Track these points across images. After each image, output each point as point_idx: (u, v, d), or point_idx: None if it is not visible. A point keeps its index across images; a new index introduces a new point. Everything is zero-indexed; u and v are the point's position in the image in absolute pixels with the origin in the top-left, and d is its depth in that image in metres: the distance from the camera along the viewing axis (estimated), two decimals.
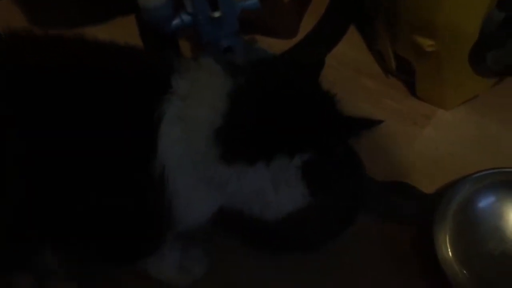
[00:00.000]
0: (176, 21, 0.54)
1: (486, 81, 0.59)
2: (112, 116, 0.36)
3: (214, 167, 0.38)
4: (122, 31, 0.68)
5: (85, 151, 0.36)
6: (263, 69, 0.42)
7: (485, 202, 0.50)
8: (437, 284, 0.48)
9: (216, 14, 0.54)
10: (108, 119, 0.36)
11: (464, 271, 0.48)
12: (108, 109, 0.36)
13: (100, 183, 0.37)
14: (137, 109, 0.37)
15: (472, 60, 0.54)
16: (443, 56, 0.54)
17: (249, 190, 0.39)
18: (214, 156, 0.37)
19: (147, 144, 0.36)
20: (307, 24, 0.73)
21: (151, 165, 0.36)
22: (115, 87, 0.37)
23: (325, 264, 0.52)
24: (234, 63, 0.43)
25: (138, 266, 0.47)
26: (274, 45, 0.69)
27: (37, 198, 0.37)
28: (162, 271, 0.48)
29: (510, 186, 0.50)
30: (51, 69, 0.37)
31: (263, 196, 0.40)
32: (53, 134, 0.36)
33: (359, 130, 0.42)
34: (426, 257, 0.49)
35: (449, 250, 0.49)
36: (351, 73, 0.68)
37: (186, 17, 0.54)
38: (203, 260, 0.50)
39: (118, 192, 0.37)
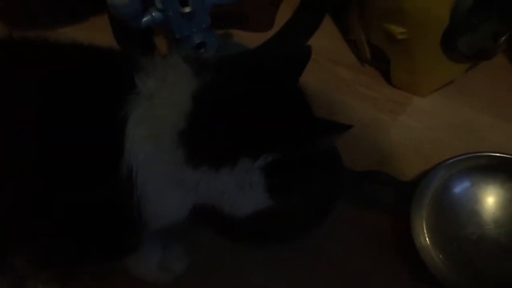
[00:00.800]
0: (146, 18, 0.54)
1: (459, 66, 0.59)
2: (77, 117, 0.36)
3: (181, 169, 0.37)
4: (99, 31, 0.67)
5: (51, 151, 0.36)
6: (230, 67, 0.41)
7: (460, 187, 0.50)
8: (418, 271, 0.49)
9: (186, 10, 0.53)
10: (74, 120, 0.36)
11: (442, 258, 0.48)
12: (73, 110, 0.36)
13: (69, 182, 0.36)
14: (102, 110, 0.36)
15: (444, 46, 0.54)
16: (415, 43, 0.55)
17: (216, 192, 0.39)
18: (180, 159, 0.37)
19: (114, 144, 0.36)
20: (283, 16, 0.73)
21: (119, 166, 0.36)
22: (79, 87, 0.36)
23: (308, 255, 0.52)
24: (202, 60, 0.42)
25: (119, 265, 0.47)
26: (250, 39, 0.69)
27: (8, 198, 0.36)
28: (142, 269, 0.48)
29: (485, 170, 0.50)
30: (14, 71, 0.37)
31: (229, 197, 0.40)
32: (22, 134, 0.36)
33: (328, 134, 0.42)
34: (406, 244, 0.49)
35: (426, 237, 0.49)
36: (327, 63, 0.68)
37: (156, 14, 0.54)
38: (183, 257, 0.50)
39: (87, 192, 0.37)
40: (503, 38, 0.57)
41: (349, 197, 0.53)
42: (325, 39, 0.70)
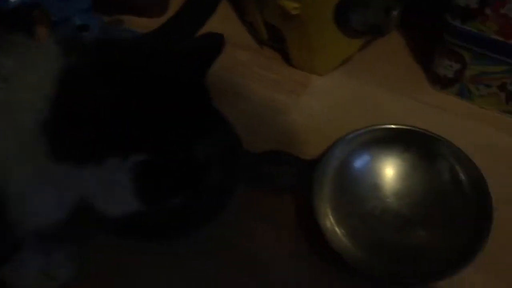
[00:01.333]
0: None
1: (355, 42, 0.59)
2: None
3: (45, 163, 0.32)
4: None
5: None
6: (109, 50, 0.36)
7: (360, 162, 0.49)
8: (323, 251, 0.47)
9: None
10: None
11: (347, 235, 0.47)
12: None
13: None
14: None
15: (337, 21, 0.54)
16: (309, 18, 0.53)
17: (84, 190, 0.35)
18: (42, 151, 0.32)
19: None
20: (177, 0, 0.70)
21: None
22: None
23: (212, 246, 0.49)
24: (77, 42, 0.38)
25: None
26: (142, 25, 0.65)
27: None
28: (22, 279, 0.43)
29: (383, 142, 0.49)
30: None
31: (96, 197, 0.36)
32: None
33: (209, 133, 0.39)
34: (311, 225, 0.48)
35: (330, 215, 0.48)
36: (226, 47, 0.65)
37: None
38: (69, 264, 0.45)
39: None
40: (395, 13, 0.57)
41: (249, 181, 0.50)
42: (222, 23, 0.66)
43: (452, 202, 0.47)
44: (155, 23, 0.65)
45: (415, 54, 0.63)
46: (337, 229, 0.47)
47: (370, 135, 0.49)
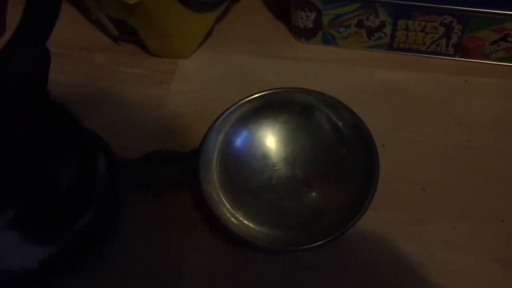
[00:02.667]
0: None
1: (210, 15, 0.56)
2: None
3: None
4: None
5: None
6: None
7: (240, 139, 0.47)
8: (224, 241, 0.46)
9: None
10: None
11: (245, 216, 0.45)
12: None
13: None
14: None
15: (180, 0, 0.50)
16: (150, 4, 0.49)
17: None
18: None
19: None
20: (15, 17, 0.63)
21: None
22: None
23: (118, 264, 0.46)
24: None
25: None
26: None
27: None
28: None
29: (256, 113, 0.47)
30: None
31: None
32: None
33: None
34: (211, 219, 0.46)
35: (225, 202, 0.46)
36: (77, 53, 0.60)
37: None
38: None
39: None
40: None
41: (136, 188, 0.47)
42: (68, 27, 0.62)
43: (337, 153, 0.46)
44: None
45: (273, 12, 0.62)
46: (234, 212, 0.45)
47: (241, 109, 0.47)
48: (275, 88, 0.48)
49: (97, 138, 0.47)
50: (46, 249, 0.39)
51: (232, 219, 0.45)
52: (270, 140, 0.48)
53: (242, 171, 0.47)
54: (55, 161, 0.38)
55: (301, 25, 0.56)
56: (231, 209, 0.45)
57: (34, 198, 0.35)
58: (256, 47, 0.59)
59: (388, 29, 0.53)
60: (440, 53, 0.54)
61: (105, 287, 0.45)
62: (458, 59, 0.55)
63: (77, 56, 0.60)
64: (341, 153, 0.46)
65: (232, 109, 0.46)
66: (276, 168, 0.47)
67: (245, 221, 0.45)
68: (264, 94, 0.47)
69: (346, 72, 0.56)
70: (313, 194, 0.46)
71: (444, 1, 0.48)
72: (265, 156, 0.48)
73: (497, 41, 0.51)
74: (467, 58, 0.54)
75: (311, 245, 0.42)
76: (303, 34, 0.57)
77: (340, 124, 0.46)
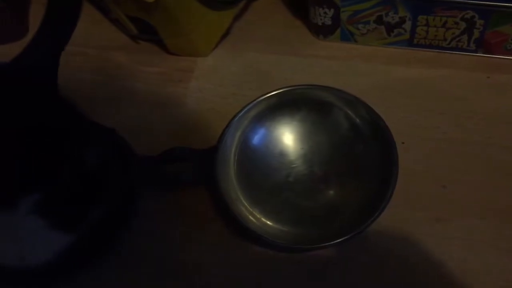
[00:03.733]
0: None
1: (228, 13, 0.56)
2: None
3: None
4: None
5: None
6: None
7: (257, 137, 0.47)
8: (242, 238, 0.46)
9: None
10: None
11: (263, 214, 0.45)
12: None
13: None
14: None
15: None
16: (168, 2, 0.50)
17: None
18: None
19: None
20: (38, 17, 0.64)
21: None
22: None
23: (131, 258, 0.46)
24: None
25: None
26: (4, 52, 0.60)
27: None
28: None
29: (273, 110, 0.47)
30: None
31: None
32: None
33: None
34: (227, 216, 0.46)
35: (242, 200, 0.45)
36: (97, 52, 0.61)
37: None
38: None
39: None
40: None
41: (155, 185, 0.48)
42: (89, 27, 0.63)
43: (356, 151, 0.46)
44: (16, 47, 0.60)
45: (291, 9, 0.61)
46: (252, 210, 0.45)
47: (258, 107, 0.46)
48: (292, 86, 0.47)
49: (116, 134, 0.48)
50: (64, 238, 0.40)
51: (250, 216, 0.44)
52: (288, 137, 0.48)
53: (260, 169, 0.47)
54: (77, 149, 0.38)
55: (319, 22, 0.55)
56: (248, 207, 0.45)
57: (59, 182, 0.36)
58: (274, 45, 0.59)
59: (407, 25, 0.52)
60: (462, 49, 0.54)
61: (120, 280, 0.45)
62: (480, 55, 0.54)
63: (96, 55, 0.61)
64: (360, 151, 0.46)
65: (249, 106, 0.46)
66: (293, 165, 0.47)
67: (262, 219, 0.45)
68: (281, 92, 0.47)
69: (365, 69, 0.55)
70: (331, 191, 0.46)
71: None
72: (282, 154, 0.48)
73: None
74: (489, 54, 0.53)
75: (330, 243, 0.42)
76: (321, 31, 0.56)
77: (358, 121, 0.46)
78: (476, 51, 0.53)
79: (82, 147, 0.39)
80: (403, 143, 0.48)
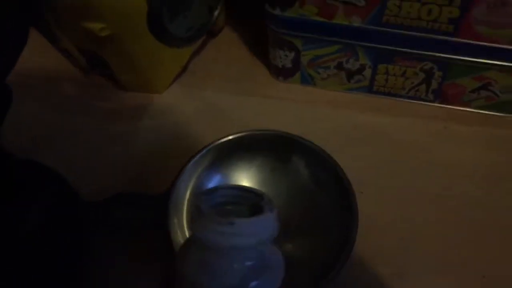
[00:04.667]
0: None
1: (183, 51, 0.54)
2: None
3: None
4: None
5: None
6: None
7: (213, 184, 0.44)
8: None
9: None
10: None
11: None
12: None
13: None
14: None
15: (155, 34, 0.48)
16: (123, 37, 0.47)
17: None
18: None
19: None
20: None
21: None
22: None
23: None
24: None
25: None
26: None
27: None
28: None
29: (228, 155, 0.45)
30: None
31: None
32: None
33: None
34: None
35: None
36: (44, 84, 0.57)
37: None
38: None
39: None
40: (216, 12, 0.54)
41: (102, 230, 0.44)
42: (36, 55, 0.59)
43: (315, 200, 0.44)
44: None
45: (251, 49, 0.60)
46: None
47: (214, 151, 0.44)
48: (251, 130, 0.45)
49: (61, 179, 0.44)
50: None
51: None
52: (245, 184, 0.46)
53: None
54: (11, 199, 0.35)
55: (279, 64, 0.54)
56: None
57: None
58: (232, 84, 0.57)
59: (368, 73, 0.52)
60: (420, 98, 0.54)
61: None
62: (437, 105, 0.54)
63: (43, 87, 0.57)
64: (319, 201, 0.44)
65: (204, 151, 0.44)
66: None
67: None
68: (239, 136, 0.45)
69: (324, 114, 0.54)
70: (289, 244, 0.43)
71: (425, 47, 0.47)
72: None
73: (478, 89, 0.50)
74: (447, 105, 0.54)
75: None
76: (281, 73, 0.55)
77: (318, 170, 0.44)
78: (433, 101, 0.54)
79: (23, 211, 0.35)
80: (361, 192, 0.47)
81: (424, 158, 0.51)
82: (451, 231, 0.46)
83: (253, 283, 0.29)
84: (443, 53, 0.47)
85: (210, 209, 0.29)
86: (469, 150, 0.51)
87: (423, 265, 0.44)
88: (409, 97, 0.54)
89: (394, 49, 0.48)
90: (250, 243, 0.29)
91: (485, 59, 0.47)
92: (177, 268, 0.33)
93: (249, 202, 0.32)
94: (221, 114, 0.54)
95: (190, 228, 0.34)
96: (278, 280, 0.31)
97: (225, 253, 0.29)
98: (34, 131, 0.54)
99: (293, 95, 0.56)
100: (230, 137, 0.45)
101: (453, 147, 0.52)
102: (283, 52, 0.52)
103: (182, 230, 0.43)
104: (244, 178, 0.46)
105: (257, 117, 0.54)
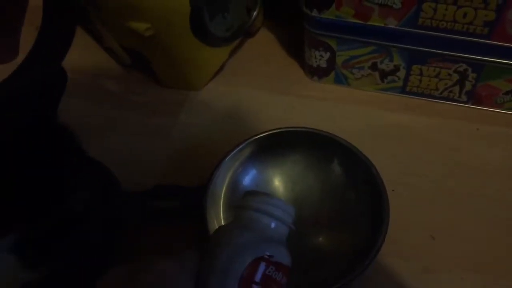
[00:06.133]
0: None
1: (222, 50, 0.56)
2: None
3: None
4: None
5: None
6: None
7: (249, 177, 0.46)
8: None
9: None
10: None
11: None
12: None
13: None
14: None
15: (196, 34, 0.50)
16: (165, 36, 0.50)
17: None
18: None
19: None
20: (29, 39, 0.63)
21: None
22: None
23: None
24: None
25: None
26: None
27: None
28: None
29: (264, 151, 0.47)
30: None
31: None
32: None
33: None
34: None
35: None
36: (89, 79, 0.61)
37: None
38: None
39: None
40: (255, 12, 0.56)
41: (140, 220, 0.46)
42: (81, 53, 0.62)
43: (346, 197, 0.46)
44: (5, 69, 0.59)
45: (288, 49, 0.62)
46: None
47: (250, 147, 0.46)
48: (287, 127, 0.47)
49: (102, 167, 0.47)
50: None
51: None
52: (279, 179, 0.47)
53: None
54: (59, 185, 0.37)
55: (314, 64, 0.56)
56: None
57: (37, 223, 0.35)
58: (267, 83, 0.59)
59: (401, 73, 0.53)
60: (453, 100, 0.54)
61: None
62: (470, 106, 0.54)
63: (87, 82, 0.60)
64: (351, 198, 0.46)
65: (242, 146, 0.46)
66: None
67: None
68: (275, 132, 0.46)
69: (357, 113, 0.56)
70: (320, 238, 0.45)
71: (459, 49, 0.48)
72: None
73: (511, 91, 0.51)
74: (480, 106, 0.54)
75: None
76: (316, 73, 0.57)
77: (351, 168, 0.46)
78: (466, 102, 0.54)
79: (70, 194, 0.38)
80: (393, 190, 0.48)
81: (456, 158, 0.52)
82: (482, 231, 0.47)
83: (275, 245, 0.34)
84: (477, 55, 0.48)
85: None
86: (501, 151, 0.52)
87: (452, 262, 0.45)
88: (442, 98, 0.54)
89: (429, 50, 0.49)
90: (282, 217, 0.35)
91: None
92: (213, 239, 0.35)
93: None
94: (256, 112, 0.56)
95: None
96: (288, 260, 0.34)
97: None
98: (79, 124, 0.56)
99: (327, 95, 0.57)
100: (266, 133, 0.46)
101: (485, 148, 0.52)
102: (318, 53, 0.54)
103: (218, 221, 0.45)
104: (279, 173, 0.47)
105: (291, 115, 0.56)
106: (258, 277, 0.30)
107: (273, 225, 0.35)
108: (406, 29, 0.48)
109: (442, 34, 0.47)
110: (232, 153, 0.46)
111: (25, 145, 0.35)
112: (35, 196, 0.32)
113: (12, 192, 0.31)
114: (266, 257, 0.31)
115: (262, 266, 0.31)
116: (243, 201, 0.36)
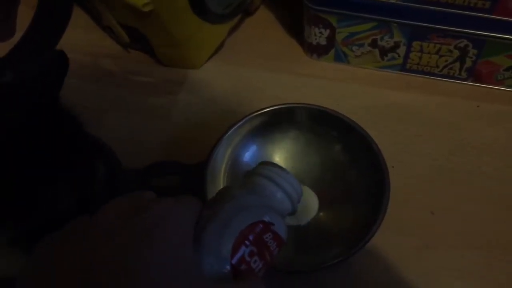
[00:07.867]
0: None
1: (221, 27, 0.56)
2: None
3: None
4: None
5: None
6: None
7: (249, 153, 0.46)
8: None
9: None
10: None
11: None
12: None
13: None
14: None
15: (195, 9, 0.50)
16: (164, 12, 0.49)
17: None
18: None
19: None
20: (26, 19, 0.63)
21: None
22: None
23: None
24: None
25: None
26: None
27: None
28: None
29: (265, 127, 0.46)
30: None
31: None
32: None
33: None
34: None
35: None
36: (87, 58, 0.60)
37: None
38: None
39: None
40: None
41: None
42: (80, 32, 0.61)
43: (347, 173, 0.45)
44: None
45: (286, 27, 0.61)
46: None
47: (251, 123, 0.46)
48: (287, 103, 0.47)
49: (102, 145, 0.46)
50: None
51: None
52: (279, 155, 0.47)
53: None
54: (59, 166, 0.37)
55: (314, 41, 0.55)
56: None
57: (38, 209, 0.35)
58: (267, 62, 0.58)
59: (402, 50, 0.52)
60: (453, 77, 0.54)
61: None
62: (470, 83, 0.54)
63: (86, 62, 0.60)
64: (351, 174, 0.45)
65: (242, 122, 0.45)
66: None
67: None
68: (275, 109, 0.46)
69: (357, 91, 0.55)
70: (321, 213, 0.45)
71: (460, 24, 0.48)
72: None
73: (511, 67, 0.51)
74: (480, 83, 0.54)
75: (319, 267, 0.41)
76: (316, 51, 0.56)
77: (351, 144, 0.46)
78: (466, 80, 0.54)
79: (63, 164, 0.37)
80: (393, 167, 0.48)
81: (456, 136, 0.52)
82: (482, 208, 0.47)
83: (277, 215, 0.33)
84: (478, 30, 0.48)
85: None
86: (501, 128, 0.52)
87: (451, 237, 0.45)
88: (442, 76, 0.54)
89: (430, 26, 0.49)
90: (291, 192, 0.35)
91: None
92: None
93: None
94: (255, 90, 0.56)
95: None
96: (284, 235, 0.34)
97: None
98: (78, 103, 0.56)
99: (327, 73, 0.57)
100: (266, 110, 0.46)
101: (485, 125, 0.52)
102: (318, 30, 0.53)
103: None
104: (279, 149, 0.47)
105: (291, 93, 0.55)
106: (255, 238, 0.30)
107: (279, 195, 0.34)
108: (406, 4, 0.47)
109: (443, 9, 0.47)
110: (232, 129, 0.45)
111: (28, 133, 0.34)
112: (36, 189, 0.32)
113: (14, 184, 0.31)
114: (267, 222, 0.31)
115: (261, 229, 0.31)
116: (255, 168, 0.36)
